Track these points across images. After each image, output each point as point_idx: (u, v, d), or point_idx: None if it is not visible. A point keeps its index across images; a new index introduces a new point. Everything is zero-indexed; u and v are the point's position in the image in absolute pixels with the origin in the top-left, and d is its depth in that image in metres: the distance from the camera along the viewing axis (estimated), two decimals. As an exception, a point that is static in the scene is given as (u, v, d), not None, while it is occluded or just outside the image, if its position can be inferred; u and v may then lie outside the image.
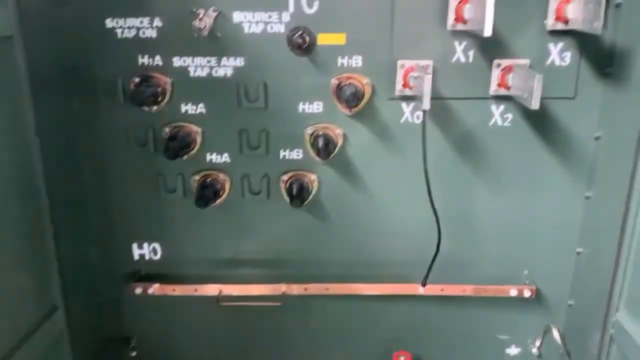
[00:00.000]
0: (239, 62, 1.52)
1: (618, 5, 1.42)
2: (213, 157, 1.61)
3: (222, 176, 1.62)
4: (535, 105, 1.30)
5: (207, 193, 1.56)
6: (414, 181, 1.55)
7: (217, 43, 1.49)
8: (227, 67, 1.52)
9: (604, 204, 1.54)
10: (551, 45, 1.49)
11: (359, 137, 1.58)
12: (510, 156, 1.59)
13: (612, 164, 1.50)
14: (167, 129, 1.57)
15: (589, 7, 1.29)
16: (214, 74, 1.53)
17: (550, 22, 1.45)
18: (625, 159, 1.40)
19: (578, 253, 1.66)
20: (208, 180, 1.60)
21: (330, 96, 1.54)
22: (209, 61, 1.52)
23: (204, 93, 1.55)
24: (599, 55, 1.49)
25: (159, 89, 1.51)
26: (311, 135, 1.56)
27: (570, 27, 1.42)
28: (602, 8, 1.22)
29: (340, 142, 1.57)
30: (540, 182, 1.61)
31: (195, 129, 1.57)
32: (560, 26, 1.45)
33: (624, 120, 1.44)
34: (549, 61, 1.50)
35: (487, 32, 1.25)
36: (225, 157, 1.61)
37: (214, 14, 1.46)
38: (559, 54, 1.50)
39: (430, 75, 1.30)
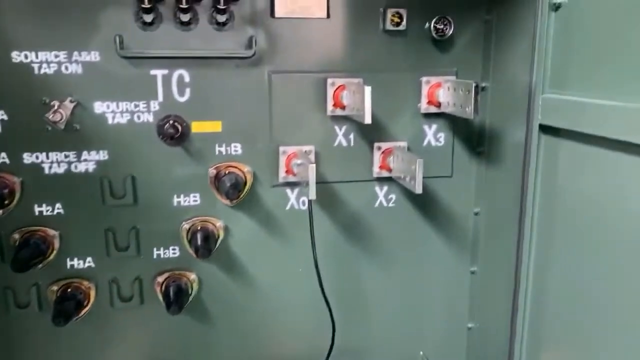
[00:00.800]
0: (103, 155, 1.36)
1: (484, 89, 1.49)
2: (75, 263, 1.41)
3: (86, 284, 1.41)
4: (418, 189, 1.30)
5: (67, 307, 1.34)
6: (303, 271, 1.49)
7: (76, 136, 1.33)
8: (88, 161, 1.36)
9: (489, 278, 1.57)
10: (426, 127, 1.52)
11: (242, 229, 1.48)
12: (397, 236, 1.58)
13: (493, 238, 1.53)
14: (16, 235, 1.34)
15: (459, 93, 1.33)
16: (74, 170, 1.36)
17: (424, 106, 1.49)
18: (505, 233, 1.44)
19: (469, 328, 1.66)
20: (69, 290, 1.39)
21: (208, 186, 1.43)
22: (67, 156, 1.35)
23: (62, 191, 1.36)
24: (471, 136, 1.54)
25: (6, 191, 1.30)
26: (188, 230, 1.42)
27: (442, 110, 1.46)
28: (472, 94, 1.25)
29: (221, 236, 1.45)
30: (427, 259, 1.61)
31: (52, 232, 1.37)
32: (433, 109, 1.49)
33: (499, 196, 1.48)
34: (425, 142, 1.53)
35: (367, 120, 1.24)
36: (89, 262, 1.41)
37: (71, 105, 1.31)
38: (434, 135, 1.53)
39: (314, 165, 1.25)
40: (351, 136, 1.49)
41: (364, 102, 1.23)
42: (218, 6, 1.31)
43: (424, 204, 1.57)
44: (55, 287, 1.40)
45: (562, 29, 1.01)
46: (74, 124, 1.33)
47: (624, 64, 0.91)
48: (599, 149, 0.98)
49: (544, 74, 1.04)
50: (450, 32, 1.45)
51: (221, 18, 1.34)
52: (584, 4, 0.97)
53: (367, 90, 1.23)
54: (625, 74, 0.91)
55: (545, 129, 1.07)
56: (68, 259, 1.40)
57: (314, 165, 1.25)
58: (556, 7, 1.02)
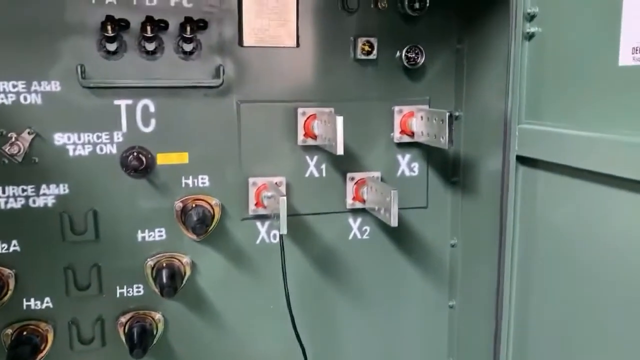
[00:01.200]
0: (63, 189, 1.30)
1: (457, 118, 1.47)
2: (31, 304, 1.33)
3: (43, 326, 1.33)
4: (393, 222, 1.26)
5: (22, 351, 1.25)
6: (275, 307, 1.43)
7: (34, 169, 1.27)
8: (47, 195, 1.30)
9: (469, 312, 1.52)
10: (400, 157, 1.49)
11: (210, 265, 1.41)
12: (372, 270, 1.53)
13: (471, 271, 1.49)
14: (-33, 275, 1.26)
15: (433, 123, 1.31)
16: (32, 205, 1.29)
17: (397, 135, 1.46)
18: (483, 265, 1.40)
19: (449, 364, 1.61)
20: (25, 333, 1.31)
21: (174, 220, 1.37)
22: (24, 190, 1.28)
23: (18, 228, 1.29)
24: (445, 165, 1.52)
25: (-44, 227, 1.22)
26: (153, 267, 1.36)
27: (416, 139, 1.44)
28: (446, 124, 1.23)
29: (188, 272, 1.38)
30: (404, 293, 1.56)
31: (7, 271, 1.29)
32: (406, 139, 1.46)
33: (476, 227, 1.45)
34: (399, 172, 1.50)
35: (339, 151, 1.21)
36: (47, 302, 1.34)
37: (30, 137, 1.25)
38: (408, 165, 1.50)
39: (285, 198, 1.20)
40: (323, 166, 1.45)
41: (336, 132, 1.20)
42: (184, 35, 1.28)
43: (399, 236, 1.52)
44: (9, 331, 1.31)
45: (536, 58, 1.00)
46: (33, 157, 1.27)
47: (600, 94, 0.89)
48: (577, 180, 0.96)
49: (520, 103, 1.02)
50: (422, 60, 1.43)
51: (188, 47, 1.30)
52: (558, 33, 0.96)
53: (339, 120, 1.19)
54: (601, 105, 0.89)
55: (522, 159, 1.05)
56: (24, 300, 1.32)
57: (285, 198, 1.20)
58: (530, 36, 1.00)
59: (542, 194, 1.05)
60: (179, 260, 1.38)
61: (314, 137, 1.39)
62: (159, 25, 1.28)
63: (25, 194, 1.29)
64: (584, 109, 0.93)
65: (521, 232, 1.08)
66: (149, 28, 1.25)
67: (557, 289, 1.08)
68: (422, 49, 1.43)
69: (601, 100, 0.89)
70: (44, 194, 1.30)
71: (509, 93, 1.06)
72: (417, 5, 1.40)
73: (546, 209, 1.04)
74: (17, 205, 1.29)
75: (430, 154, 1.50)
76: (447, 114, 1.23)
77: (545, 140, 0.99)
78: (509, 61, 1.05)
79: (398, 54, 1.44)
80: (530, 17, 1.00)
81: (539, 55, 1.00)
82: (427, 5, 1.40)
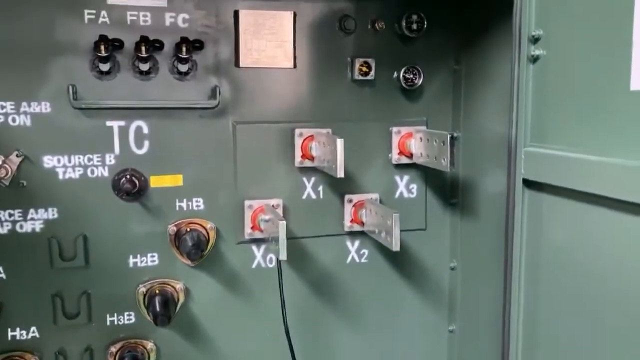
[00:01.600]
0: (52, 213, 1.26)
1: (456, 139, 1.45)
2: (17, 334, 1.28)
3: (29, 357, 1.28)
4: (395, 247, 1.23)
5: (7, 385, 1.20)
6: (272, 335, 1.38)
7: (22, 193, 1.22)
8: (35, 220, 1.25)
9: (470, 337, 1.49)
10: (398, 178, 1.47)
11: (204, 290, 1.37)
12: (370, 294, 1.49)
13: (472, 294, 1.47)
14: (-51, 305, 1.21)
15: (433, 145, 1.29)
16: (19, 230, 1.25)
17: (395, 157, 1.44)
18: (484, 289, 1.37)
19: (448, 390, 1.57)
20: (9, 365, 1.25)
21: (168, 245, 1.32)
22: (11, 215, 1.24)
23: (4, 254, 1.25)
24: (443, 186, 1.50)
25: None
26: (145, 294, 1.31)
27: (414, 160, 1.42)
28: (448, 146, 1.21)
29: (181, 299, 1.34)
30: (403, 318, 1.53)
31: (-8, 300, 1.24)
32: (404, 160, 1.44)
33: (476, 250, 1.43)
34: (397, 194, 1.47)
35: (340, 174, 1.18)
36: (33, 332, 1.29)
37: (18, 160, 1.20)
38: (406, 186, 1.48)
39: (284, 222, 1.16)
40: (320, 188, 1.42)
41: (336, 154, 1.17)
42: (180, 55, 1.25)
43: (398, 259, 1.49)
44: (-7, 362, 1.25)
45: (541, 81, 0.98)
46: (20, 180, 1.23)
47: (610, 118, 0.88)
48: (584, 204, 0.94)
49: (525, 126, 1.00)
50: (420, 81, 1.42)
51: (183, 67, 1.28)
52: (563, 56, 0.94)
53: (340, 142, 1.17)
54: (610, 128, 0.88)
55: (527, 182, 1.03)
56: (9, 330, 1.27)
57: (284, 222, 1.16)
58: (534, 59, 0.99)
59: (548, 217, 1.03)
60: (172, 287, 1.33)
61: (312, 159, 1.36)
62: (154, 45, 1.25)
63: (12, 218, 1.24)
64: (592, 133, 0.92)
65: (527, 256, 1.06)
66: (143, 48, 1.22)
67: (565, 313, 1.05)
68: (419, 69, 1.42)
69: (611, 124, 0.88)
70: (32, 219, 1.25)
71: (513, 116, 1.04)
72: (414, 26, 1.39)
73: (552, 233, 1.02)
74: (4, 230, 1.24)
75: (428, 175, 1.48)
76: (449, 135, 1.21)
77: (552, 163, 0.97)
78: (512, 84, 1.04)
79: (395, 74, 1.42)
80: (535, 40, 0.98)
81: (544, 78, 0.98)
82: (425, 26, 1.39)
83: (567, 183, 0.96)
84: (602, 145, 0.90)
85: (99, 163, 1.27)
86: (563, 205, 1.00)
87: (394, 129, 1.43)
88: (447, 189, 1.50)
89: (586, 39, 0.92)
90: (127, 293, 1.31)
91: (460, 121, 1.46)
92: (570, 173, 0.96)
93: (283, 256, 1.16)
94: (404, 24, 1.39)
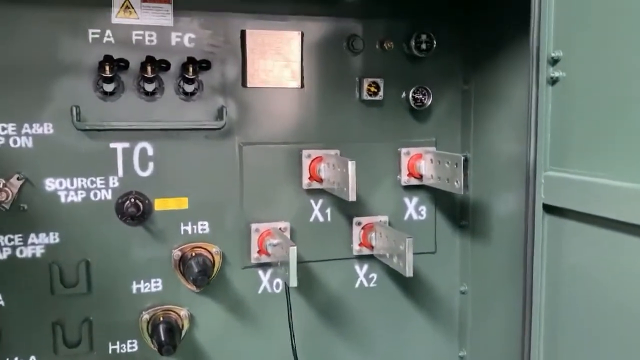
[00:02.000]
0: (53, 238, 1.22)
1: (466, 160, 1.43)
2: (15, 364, 1.23)
3: (27, 388, 1.23)
4: (409, 272, 1.19)
5: (4, 418, 1.15)
6: (278, 362, 1.34)
7: (22, 217, 1.18)
8: (36, 245, 1.21)
9: (481, 363, 1.45)
10: (407, 200, 1.44)
11: (209, 317, 1.33)
12: (379, 319, 1.46)
13: (483, 320, 1.43)
14: (-55, 334, 1.16)
15: (445, 167, 1.26)
16: (19, 255, 1.21)
17: (404, 178, 1.41)
18: (496, 314, 1.34)
19: (459, 419, 1.53)
20: (7, 397, 1.20)
21: (172, 270, 1.28)
22: (11, 240, 1.20)
23: (3, 280, 1.21)
24: (453, 208, 1.47)
25: None
26: (149, 321, 1.27)
27: (424, 182, 1.39)
28: (461, 168, 1.18)
29: (186, 326, 1.30)
30: (412, 344, 1.49)
31: (-11, 328, 1.19)
32: (414, 181, 1.41)
33: (488, 274, 1.40)
34: (406, 216, 1.44)
35: (352, 197, 1.15)
36: (32, 362, 1.23)
37: (19, 183, 1.17)
38: (416, 208, 1.45)
39: (295, 247, 1.13)
40: (328, 211, 1.39)
41: (347, 177, 1.14)
42: (186, 75, 1.22)
43: (408, 283, 1.46)
44: (-10, 394, 1.20)
45: (561, 103, 0.96)
46: (21, 204, 1.19)
47: (629, 140, 0.85)
48: (605, 230, 0.91)
49: (545, 150, 0.98)
50: (429, 102, 1.40)
51: (189, 88, 1.25)
52: (584, 78, 0.92)
53: (351, 165, 1.14)
54: (630, 152, 0.85)
55: (547, 207, 1.00)
56: (7, 359, 1.22)
57: (295, 247, 1.13)
58: (554, 81, 0.97)
59: (568, 243, 1.00)
60: (177, 313, 1.29)
61: (320, 181, 1.33)
62: (160, 66, 1.22)
63: (12, 243, 1.20)
64: (614, 157, 0.89)
65: (547, 284, 1.03)
66: (149, 68, 1.19)
67: (586, 341, 1.02)
68: (428, 89, 1.39)
69: (634, 148, 0.85)
70: (33, 244, 1.21)
71: (531, 138, 1.01)
72: (423, 46, 1.37)
73: (573, 259, 0.99)
74: (3, 256, 1.20)
75: (437, 197, 1.45)
76: (462, 158, 1.19)
77: (573, 188, 0.94)
78: (530, 106, 1.01)
79: (404, 94, 1.40)
80: (554, 61, 0.96)
81: (563, 101, 0.96)
82: (434, 46, 1.38)
83: (589, 209, 0.93)
84: (625, 170, 0.88)
85: (102, 186, 1.24)
86: (584, 231, 0.97)
87: (403, 150, 1.41)
88: (457, 210, 1.47)
89: (608, 60, 0.90)
90: (130, 320, 1.27)
91: (470, 142, 1.44)
92: (593, 198, 0.93)
93: (294, 282, 1.13)
94: (413, 43, 1.37)
